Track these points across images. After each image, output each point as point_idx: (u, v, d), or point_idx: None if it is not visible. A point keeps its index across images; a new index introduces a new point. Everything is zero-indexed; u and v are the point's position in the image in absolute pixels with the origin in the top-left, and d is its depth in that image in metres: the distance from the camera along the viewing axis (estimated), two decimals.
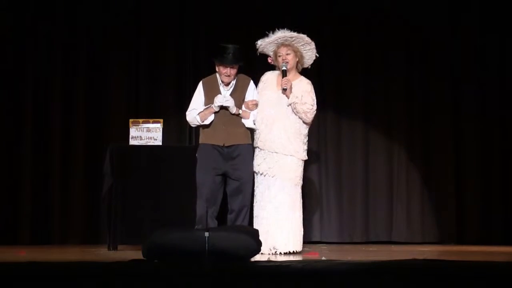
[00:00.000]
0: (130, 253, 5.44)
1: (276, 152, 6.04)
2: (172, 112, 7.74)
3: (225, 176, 6.03)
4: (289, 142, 6.05)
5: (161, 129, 6.62)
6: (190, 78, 7.79)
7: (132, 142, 6.61)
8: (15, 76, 7.68)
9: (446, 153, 7.85)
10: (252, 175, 6.08)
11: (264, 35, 6.23)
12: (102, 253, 6.16)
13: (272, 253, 5.92)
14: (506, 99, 7.85)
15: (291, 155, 6.06)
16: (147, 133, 6.61)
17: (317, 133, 7.83)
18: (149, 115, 7.12)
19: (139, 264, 4.36)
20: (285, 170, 6.04)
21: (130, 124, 6.64)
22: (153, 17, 7.91)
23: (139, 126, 6.63)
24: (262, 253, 5.70)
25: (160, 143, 6.61)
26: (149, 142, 6.60)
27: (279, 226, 5.99)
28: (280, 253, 5.95)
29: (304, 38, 6.16)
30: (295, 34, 6.13)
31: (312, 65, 6.39)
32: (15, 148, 7.62)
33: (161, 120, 6.66)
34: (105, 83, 7.82)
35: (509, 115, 7.83)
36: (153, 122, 6.64)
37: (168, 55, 7.90)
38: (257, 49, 6.22)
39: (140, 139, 6.60)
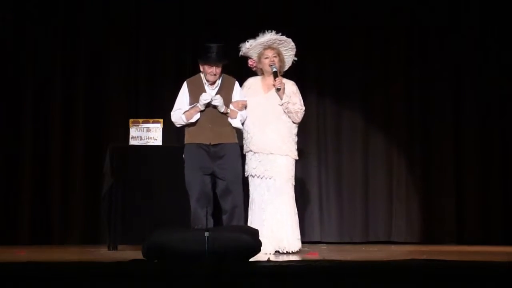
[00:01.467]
0: (130, 253, 5.44)
1: (272, 153, 6.08)
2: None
3: (213, 176, 6.02)
4: (283, 143, 6.12)
5: (161, 129, 6.63)
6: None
7: (132, 142, 6.60)
8: (15, 77, 7.68)
9: (446, 153, 7.85)
10: (240, 174, 6.06)
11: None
12: (102, 253, 6.16)
13: (282, 252, 5.95)
14: (507, 99, 7.85)
15: (286, 155, 6.12)
16: (147, 133, 6.61)
17: (316, 133, 7.84)
18: (149, 115, 7.12)
19: (139, 264, 4.36)
20: (282, 170, 6.08)
21: (130, 124, 6.64)
22: (153, 17, 7.91)
23: (139, 126, 6.63)
24: (269, 253, 5.72)
25: (160, 143, 6.61)
26: (149, 142, 6.60)
27: (283, 225, 6.03)
28: (288, 252, 5.97)
29: (291, 43, 6.25)
30: (284, 37, 6.22)
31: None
32: (15, 148, 7.62)
33: (161, 120, 6.66)
34: (105, 83, 7.82)
35: (510, 115, 7.83)
36: (153, 122, 6.64)
37: (168, 55, 7.90)
38: (241, 50, 6.24)
39: (140, 139, 6.60)
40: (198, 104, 5.98)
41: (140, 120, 6.69)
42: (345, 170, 7.88)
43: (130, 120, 6.70)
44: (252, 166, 6.12)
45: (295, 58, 6.34)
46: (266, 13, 7.80)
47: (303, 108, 6.21)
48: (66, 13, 7.78)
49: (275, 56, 6.18)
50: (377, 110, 7.93)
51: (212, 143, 5.97)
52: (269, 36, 6.19)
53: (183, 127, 6.14)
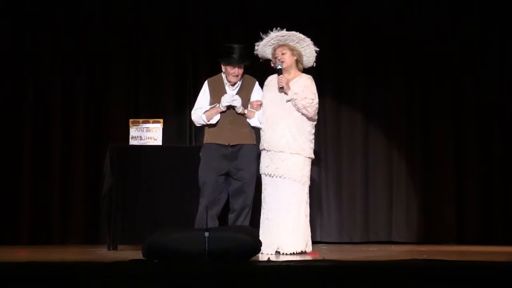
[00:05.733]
0: (130, 253, 5.44)
1: (282, 152, 5.99)
2: (172, 112, 7.75)
3: (227, 176, 6.03)
4: (294, 140, 6.01)
5: (161, 129, 6.63)
6: (190, 78, 7.79)
7: (132, 142, 6.60)
8: (15, 76, 7.68)
9: (446, 153, 7.85)
10: (255, 175, 6.05)
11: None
12: (102, 253, 6.16)
13: (277, 253, 5.89)
14: (507, 99, 7.85)
15: (297, 154, 6.00)
16: (147, 133, 6.61)
17: (317, 133, 7.76)
18: (149, 115, 7.12)
19: (139, 264, 4.36)
20: (291, 169, 5.97)
21: (130, 124, 6.64)
22: (153, 17, 7.91)
23: (139, 126, 6.63)
24: (268, 254, 5.71)
25: (160, 143, 6.61)
26: (149, 142, 6.60)
27: (284, 226, 5.94)
28: (285, 253, 5.89)
29: (296, 34, 6.12)
30: (286, 32, 6.10)
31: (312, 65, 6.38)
32: (15, 148, 7.62)
33: (161, 120, 6.66)
34: (105, 83, 7.82)
35: (509, 115, 7.84)
36: (153, 122, 6.64)
37: (168, 55, 7.90)
38: (258, 56, 6.21)
39: (140, 139, 6.60)
40: (219, 105, 5.98)
41: (140, 120, 6.69)
42: (345, 170, 7.88)
43: (130, 120, 6.70)
44: (265, 164, 6.06)
45: (317, 48, 6.22)
46: (266, 12, 7.80)
47: (315, 101, 6.07)
48: (66, 13, 7.78)
49: (283, 54, 6.10)
50: (377, 110, 7.94)
51: (230, 144, 5.98)
52: (270, 36, 6.11)
53: (202, 126, 6.15)
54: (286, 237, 5.94)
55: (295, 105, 6.02)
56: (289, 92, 6.02)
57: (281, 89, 6.03)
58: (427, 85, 7.92)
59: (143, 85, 7.88)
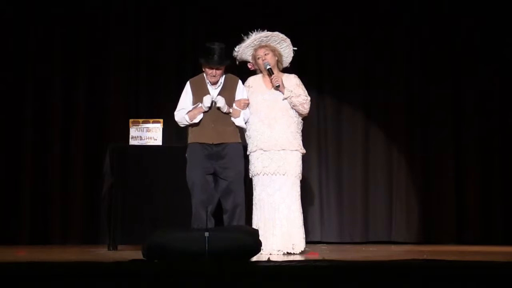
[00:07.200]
0: (130, 253, 5.44)
1: (284, 149, 6.03)
2: (172, 112, 7.72)
3: (215, 176, 6.02)
4: (293, 137, 6.07)
5: (161, 129, 6.62)
6: (190, 78, 7.78)
7: (132, 142, 6.60)
8: (15, 76, 7.69)
9: (446, 153, 7.86)
10: (242, 174, 6.02)
11: None
12: (102, 253, 6.15)
13: (289, 253, 5.92)
14: (507, 99, 7.86)
15: (295, 150, 6.07)
16: (147, 133, 6.61)
17: (317, 133, 7.84)
18: (149, 115, 7.12)
19: (139, 264, 4.36)
20: (293, 165, 6.04)
21: (130, 124, 6.64)
22: (153, 17, 7.91)
23: (139, 126, 6.63)
24: (268, 254, 5.71)
25: (160, 143, 6.61)
26: (149, 142, 6.60)
27: (294, 225, 5.99)
28: (294, 252, 5.93)
29: (279, 35, 6.18)
30: (269, 32, 6.15)
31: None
32: (15, 148, 7.63)
33: (161, 120, 6.65)
34: (105, 83, 7.82)
35: (509, 115, 7.84)
36: (153, 122, 6.64)
37: (168, 55, 7.90)
38: (236, 57, 6.22)
39: (140, 139, 6.60)
40: (201, 105, 5.98)
41: (140, 120, 6.69)
42: (345, 170, 7.89)
43: (130, 120, 6.69)
44: (262, 165, 6.04)
45: (295, 48, 6.24)
46: (265, 11, 7.80)
47: (308, 98, 6.12)
48: (66, 13, 7.79)
49: (266, 54, 6.13)
50: (378, 110, 7.94)
51: (214, 143, 5.96)
52: (253, 37, 6.15)
53: (186, 126, 6.14)
54: (299, 236, 5.99)
55: (291, 102, 6.07)
56: (285, 91, 6.06)
57: (277, 88, 6.06)
58: (427, 85, 7.92)
59: (143, 85, 7.88)
